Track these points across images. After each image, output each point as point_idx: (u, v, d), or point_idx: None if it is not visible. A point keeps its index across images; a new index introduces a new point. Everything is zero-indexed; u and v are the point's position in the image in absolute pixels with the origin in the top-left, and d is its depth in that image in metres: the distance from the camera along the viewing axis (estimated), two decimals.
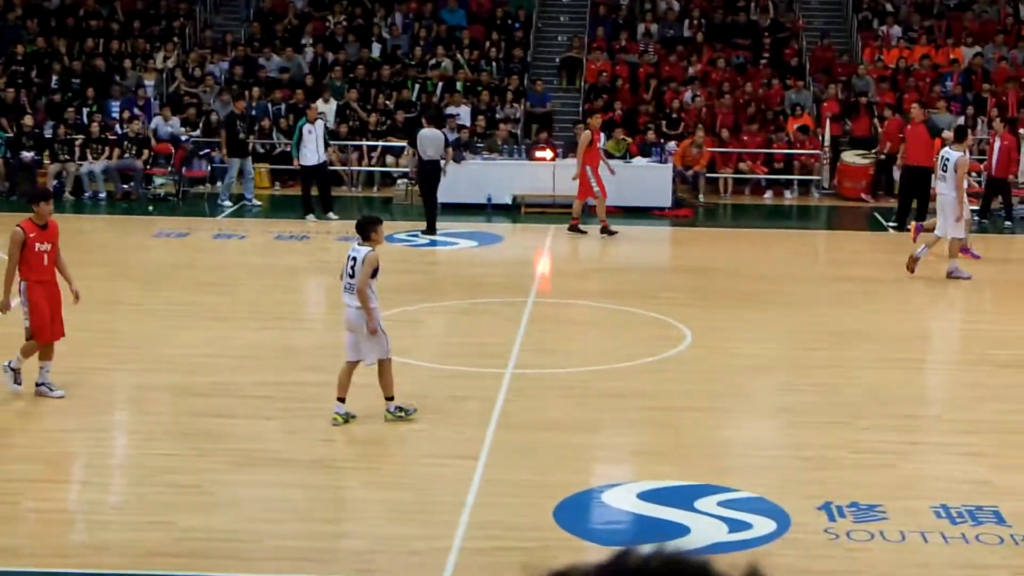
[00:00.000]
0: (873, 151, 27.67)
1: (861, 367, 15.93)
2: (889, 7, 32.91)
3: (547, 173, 26.24)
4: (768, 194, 28.31)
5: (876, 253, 23.43)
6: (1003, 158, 24.97)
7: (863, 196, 27.59)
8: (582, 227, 23.83)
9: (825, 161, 28.12)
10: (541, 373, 15.36)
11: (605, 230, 23.69)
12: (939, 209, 20.71)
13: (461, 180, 26.18)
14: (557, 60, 32.34)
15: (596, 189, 23.73)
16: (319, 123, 25.11)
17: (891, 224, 24.95)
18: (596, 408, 14.14)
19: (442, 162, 24.04)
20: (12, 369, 14.13)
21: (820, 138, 28.21)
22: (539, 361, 15.85)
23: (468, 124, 28.59)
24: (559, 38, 33.36)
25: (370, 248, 13.30)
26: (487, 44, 31.91)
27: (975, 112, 29.24)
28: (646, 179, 26.36)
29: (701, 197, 27.25)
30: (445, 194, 25.46)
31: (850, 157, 27.96)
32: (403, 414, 13.53)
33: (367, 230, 13.43)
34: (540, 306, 18.79)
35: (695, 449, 13.06)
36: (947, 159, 20.63)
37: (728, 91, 29.67)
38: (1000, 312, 19.21)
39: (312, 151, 24.71)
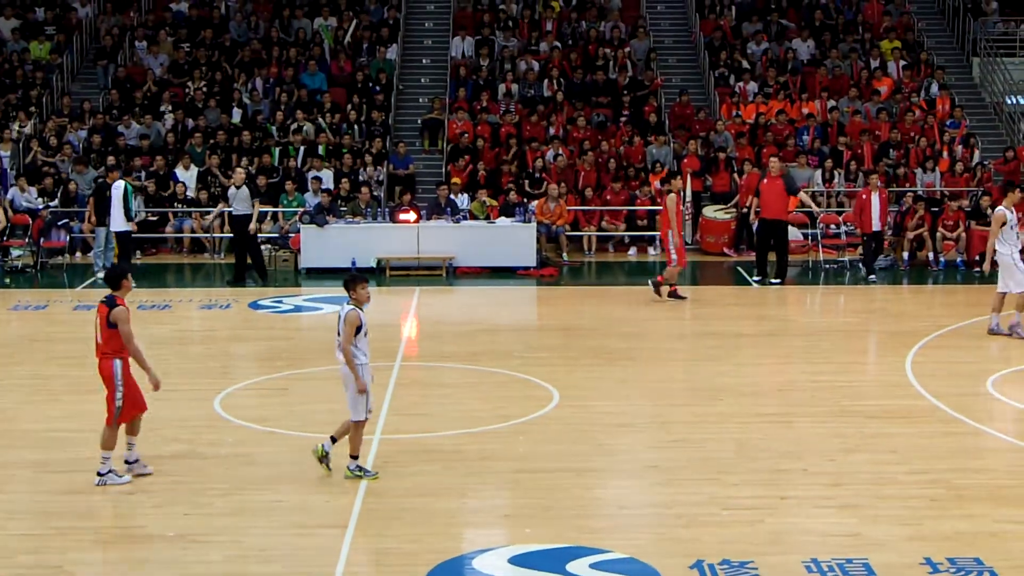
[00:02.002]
0: (731, 205, 27.97)
1: (728, 422, 16.01)
2: (745, 64, 33.43)
3: (411, 235, 26.16)
4: (632, 251, 28.47)
5: (740, 307, 23.63)
6: (883, 212, 25.37)
7: (725, 251, 27.88)
8: (681, 293, 23.57)
9: (687, 217, 28.36)
10: (410, 438, 15.17)
11: (673, 294, 23.47)
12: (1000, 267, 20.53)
13: (325, 244, 25.98)
14: (419, 122, 32.33)
15: (675, 257, 23.27)
16: (117, 186, 24.90)
17: (754, 279, 25.20)
18: (466, 472, 13.98)
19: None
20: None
21: (681, 194, 28.41)
22: (407, 425, 15.67)
23: (331, 188, 28.38)
24: (420, 100, 33.38)
25: (352, 307, 13.39)
26: (348, 107, 31.80)
27: (832, 165, 29.74)
28: (510, 239, 26.38)
29: (564, 255, 27.30)
30: (309, 259, 25.26)
31: (711, 212, 28.25)
32: (361, 473, 13.65)
33: (350, 287, 13.56)
34: (407, 370, 18.62)
35: (566, 510, 12.97)
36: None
37: (589, 149, 29.86)
38: (863, 363, 19.43)
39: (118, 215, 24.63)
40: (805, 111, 31.79)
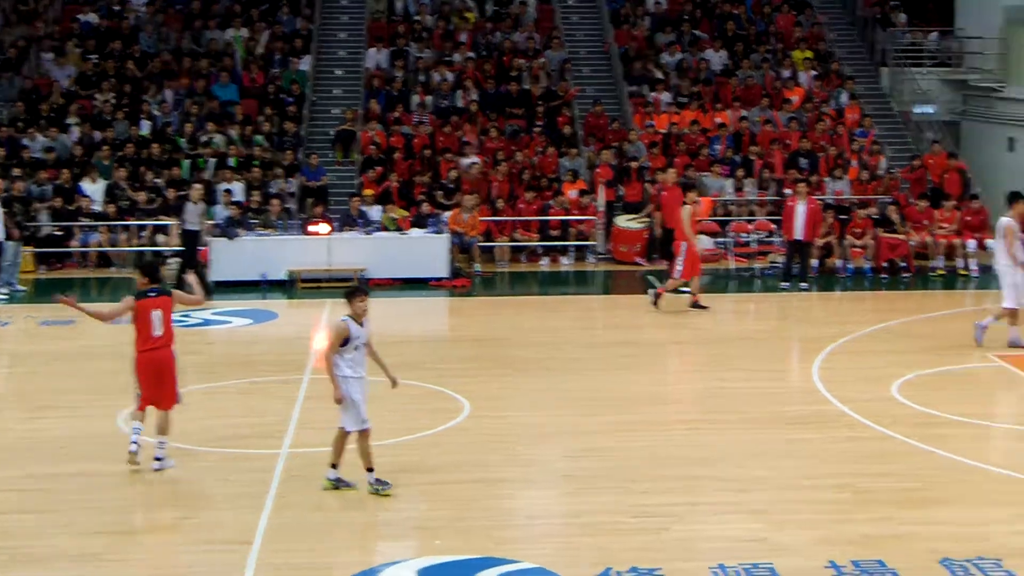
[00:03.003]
0: (643, 215, 28.08)
1: (640, 430, 16.07)
2: (658, 74, 33.60)
3: (323, 247, 26.03)
4: (545, 261, 28.49)
5: (652, 316, 23.69)
6: (809, 221, 25.53)
7: (638, 260, 27.98)
8: (702, 303, 23.49)
9: (600, 227, 28.47)
10: (320, 451, 15.02)
11: (696, 305, 23.40)
12: (1000, 278, 20.42)
13: (235, 257, 25.78)
14: (332, 133, 32.18)
15: (679, 268, 23.31)
16: None
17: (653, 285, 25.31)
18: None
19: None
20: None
21: (595, 203, 28.55)
22: (316, 439, 15.52)
23: (242, 200, 28.16)
24: (333, 111, 33.22)
25: (343, 317, 13.52)
26: (260, 119, 31.58)
27: (744, 174, 29.97)
28: (423, 250, 26.33)
29: (477, 266, 27.27)
30: (219, 272, 25.04)
31: (624, 222, 28.34)
32: (381, 487, 13.58)
33: (347, 299, 13.68)
34: (317, 383, 18.43)
35: (476, 521, 12.94)
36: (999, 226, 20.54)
37: (503, 160, 29.87)
38: (773, 370, 19.56)
39: None
40: (717, 120, 32.01)
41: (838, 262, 27.19)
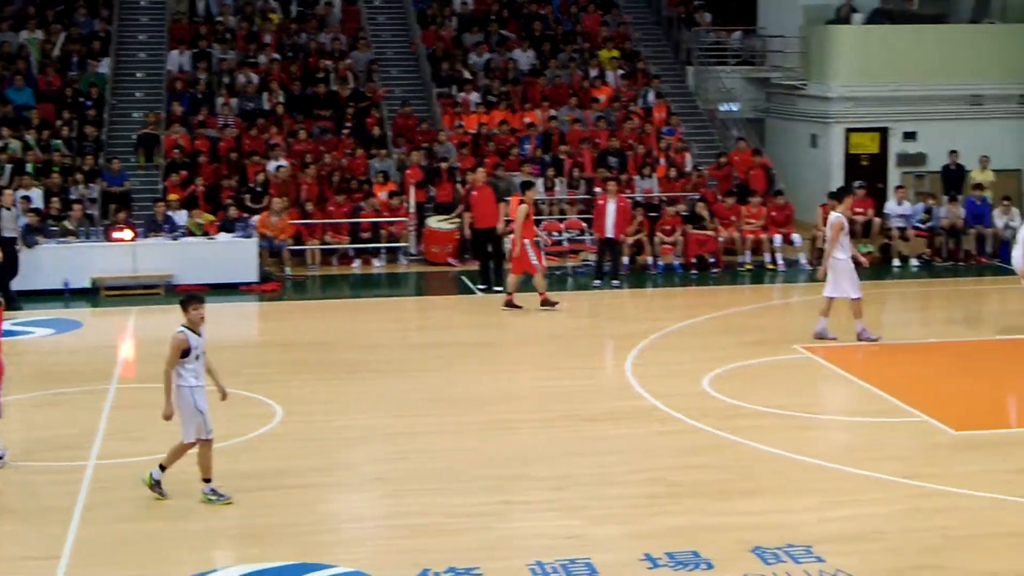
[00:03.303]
0: (454, 215, 28.02)
1: (455, 431, 16.03)
2: (467, 74, 33.58)
3: (127, 254, 25.43)
4: (356, 263, 28.22)
5: (466, 316, 23.69)
6: (619, 219, 25.67)
7: (450, 260, 27.91)
8: (553, 299, 23.37)
9: (411, 228, 28.33)
10: (127, 462, 14.65)
11: (546, 303, 23.19)
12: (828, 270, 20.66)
13: (35, 266, 25.01)
14: (134, 137, 31.44)
15: (535, 263, 23.17)
16: None
17: (479, 287, 25.28)
18: (187, 493, 13.55)
19: None
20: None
21: (405, 205, 28.40)
22: (124, 449, 15.16)
23: (40, 207, 27.30)
24: (135, 114, 32.47)
25: (181, 328, 13.20)
26: (58, 123, 30.68)
27: (554, 173, 30.09)
28: (231, 254, 25.87)
29: (288, 270, 26.90)
30: (18, 281, 24.28)
31: (435, 223, 28.24)
32: (216, 498, 13.32)
33: (182, 308, 13.39)
34: (124, 392, 18.02)
35: (291, 527, 12.76)
36: (830, 219, 20.80)
37: (311, 162, 29.52)
38: (586, 367, 19.64)
39: None
40: (527, 120, 32.11)
41: (648, 259, 27.47)
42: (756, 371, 19.04)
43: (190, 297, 13.63)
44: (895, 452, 15.11)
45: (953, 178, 30.19)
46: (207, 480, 13.48)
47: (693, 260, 27.37)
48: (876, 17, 33.35)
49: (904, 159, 32.46)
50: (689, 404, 17.00)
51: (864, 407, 17.19)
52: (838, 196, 21.94)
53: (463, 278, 26.39)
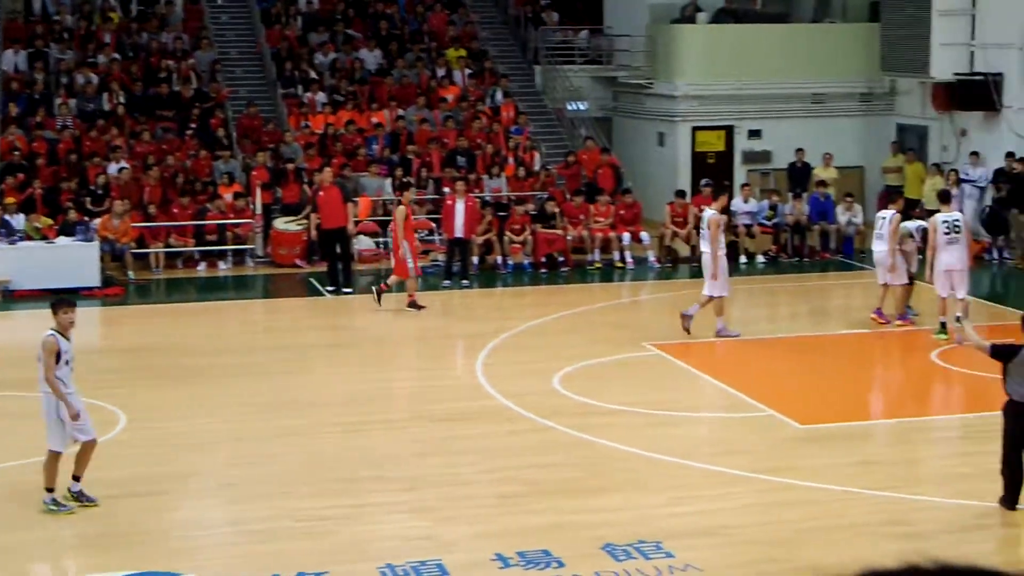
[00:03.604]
0: (302, 216, 27.68)
1: (303, 434, 15.82)
2: (313, 74, 33.23)
3: None
4: (202, 266, 27.70)
5: (314, 318, 23.42)
6: (468, 219, 25.55)
7: (298, 262, 27.54)
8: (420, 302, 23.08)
9: (258, 230, 27.90)
10: None
11: (413, 304, 22.94)
12: (703, 268, 20.84)
13: None
14: None
15: (410, 266, 22.92)
16: None
17: (328, 288, 24.98)
18: (28, 504, 13.16)
19: None
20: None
21: (251, 206, 27.98)
22: None
23: None
24: None
25: (52, 332, 12.84)
26: None
27: (403, 173, 29.85)
28: (71, 259, 25.19)
29: (131, 274, 26.31)
30: None
31: (282, 224, 27.86)
32: (58, 507, 12.98)
33: (53, 310, 13.09)
34: None
35: (139, 536, 12.53)
36: (701, 218, 21.00)
37: (154, 164, 28.93)
38: (436, 368, 19.54)
39: None
40: (374, 120, 31.86)
41: (498, 258, 27.42)
42: (606, 369, 19.09)
43: (60, 301, 13.37)
44: (743, 447, 15.23)
45: (799, 175, 30.65)
46: (50, 490, 13.10)
47: (543, 259, 27.38)
48: (720, 16, 33.73)
49: (749, 157, 32.87)
50: (540, 403, 16.98)
51: (712, 403, 17.33)
52: (714, 194, 22.09)
53: (311, 280, 26.07)
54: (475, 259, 26.83)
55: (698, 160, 32.75)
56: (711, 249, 20.56)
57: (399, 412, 16.79)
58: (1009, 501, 12.94)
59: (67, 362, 13.01)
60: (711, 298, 20.63)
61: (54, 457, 13.07)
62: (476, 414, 16.61)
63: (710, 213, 20.92)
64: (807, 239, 28.73)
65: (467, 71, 34.16)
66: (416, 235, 24.29)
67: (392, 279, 23.56)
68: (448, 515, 12.92)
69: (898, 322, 21.34)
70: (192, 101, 31.70)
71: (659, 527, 12.47)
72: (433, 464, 14.57)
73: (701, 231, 21.18)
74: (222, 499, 13.79)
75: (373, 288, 23.65)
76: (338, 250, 25.15)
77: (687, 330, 20.43)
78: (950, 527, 12.72)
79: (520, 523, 12.61)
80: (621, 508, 13.09)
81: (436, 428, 16.04)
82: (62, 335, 13.03)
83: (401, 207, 23.33)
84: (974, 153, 29.15)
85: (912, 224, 21.70)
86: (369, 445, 15.34)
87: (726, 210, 22.36)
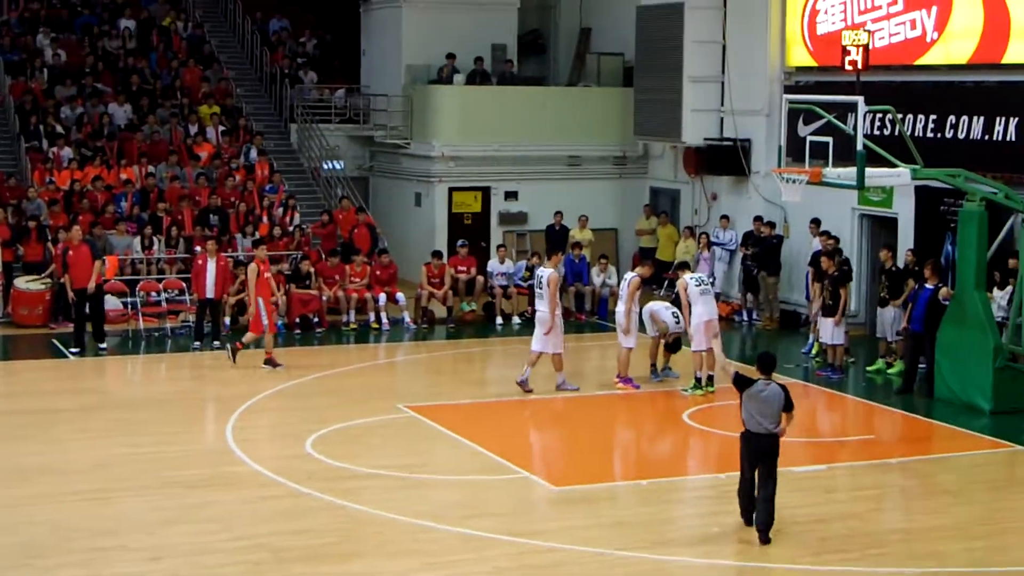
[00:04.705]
0: (45, 275, 26.71)
1: (42, 503, 15.16)
2: (59, 128, 32.23)
3: None
4: None
5: (57, 381, 22.50)
6: (219, 279, 24.92)
7: (42, 323, 26.52)
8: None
9: None
10: None
11: (270, 362, 22.88)
12: (537, 324, 21.43)
13: None
14: None
15: (265, 323, 22.98)
16: None
17: (72, 350, 24.08)
18: None
19: None
20: None
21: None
22: None
23: None
24: None
25: None
26: None
27: (152, 231, 29.07)
28: None
29: None
30: None
31: (24, 283, 26.82)
32: None
33: None
34: None
35: None
36: (540, 276, 21.40)
37: None
38: (184, 432, 18.92)
39: None
40: (123, 177, 31.00)
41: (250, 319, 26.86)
42: (360, 431, 18.81)
43: None
44: (496, 509, 15.13)
45: (557, 237, 30.89)
46: None
47: (296, 320, 26.94)
48: (477, 78, 33.94)
49: (506, 218, 33.05)
50: (292, 467, 16.61)
51: (466, 465, 17.17)
52: (548, 253, 22.70)
53: (55, 341, 25.09)
54: (227, 320, 26.24)
55: (455, 221, 32.78)
56: (548, 307, 21.04)
57: (146, 479, 16.17)
58: (746, 521, 14.35)
59: None
60: (540, 355, 21.24)
61: None
62: (225, 480, 16.15)
63: (549, 272, 21.34)
64: (563, 300, 28.93)
65: (221, 128, 33.60)
66: (273, 295, 24.00)
67: (248, 336, 23.24)
68: None
69: (619, 385, 21.62)
70: None
71: None
72: (180, 532, 14.08)
73: (538, 291, 21.65)
74: None
75: (227, 345, 23.35)
76: (86, 310, 24.35)
77: (529, 391, 21.08)
78: None
79: None
80: (374, 574, 12.84)
81: (184, 495, 15.51)
82: None
83: (252, 264, 23.20)
84: (724, 217, 29.84)
85: (666, 312, 22.13)
86: (112, 513, 14.75)
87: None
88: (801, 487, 16.01)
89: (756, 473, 14.18)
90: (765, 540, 13.97)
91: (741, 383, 14.34)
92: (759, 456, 14.14)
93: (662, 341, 22.22)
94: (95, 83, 34.02)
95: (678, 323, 21.83)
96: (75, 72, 34.29)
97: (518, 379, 21.27)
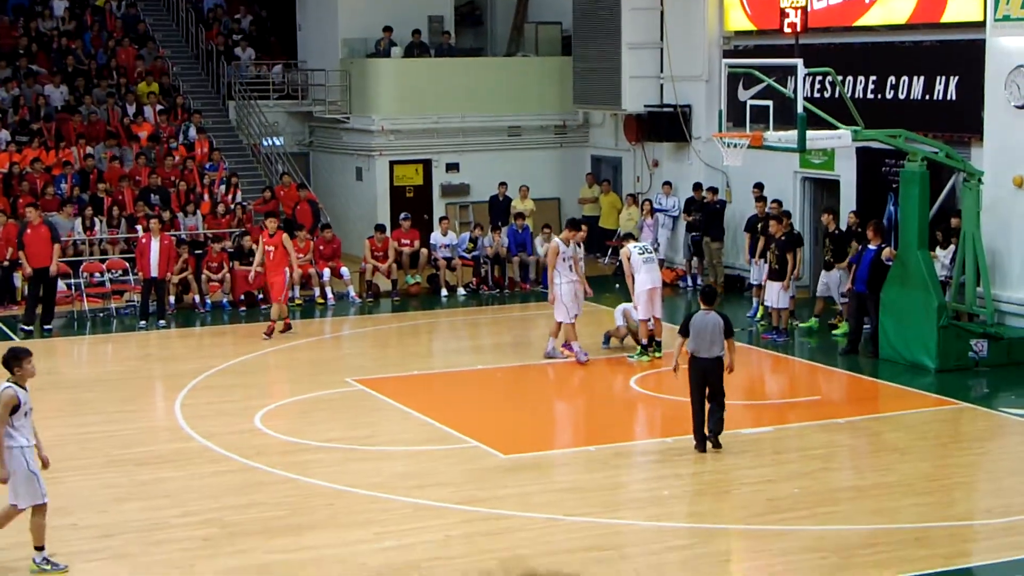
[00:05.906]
0: None
1: None
2: None
3: None
4: None
5: None
6: (163, 258, 24.96)
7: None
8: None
9: None
10: None
11: (287, 327, 23.75)
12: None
13: None
14: None
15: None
16: None
17: (26, 328, 23.94)
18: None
19: None
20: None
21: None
22: None
23: None
24: None
25: (7, 384, 12.16)
26: None
27: (94, 212, 28.89)
28: None
29: None
30: None
31: None
32: (50, 567, 12.32)
33: (11, 364, 12.33)
34: None
35: None
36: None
37: None
38: (132, 410, 18.88)
39: None
40: (62, 158, 30.78)
41: (196, 297, 26.80)
42: (308, 405, 18.84)
43: (19, 351, 12.50)
44: (447, 479, 15.20)
45: (500, 208, 30.96)
46: (40, 548, 12.38)
47: (241, 297, 26.88)
48: (415, 50, 33.87)
49: (448, 190, 33.06)
50: (241, 442, 16.63)
51: (416, 436, 17.23)
52: (572, 226, 22.11)
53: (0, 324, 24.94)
54: (171, 298, 26.15)
55: (397, 194, 32.76)
56: (549, 277, 21.59)
57: (95, 457, 16.15)
58: (701, 449, 15.85)
59: (26, 413, 12.28)
60: (559, 324, 21.40)
61: (13, 513, 12.43)
62: (175, 456, 16.15)
63: (556, 242, 21.70)
64: (507, 271, 29.03)
65: (159, 107, 33.37)
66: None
67: (274, 310, 23.77)
68: (148, 561, 12.53)
69: (565, 352, 21.55)
70: None
71: (364, 563, 12.31)
72: (131, 509, 14.10)
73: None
74: None
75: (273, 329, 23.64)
76: (41, 293, 24.30)
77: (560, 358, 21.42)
78: (651, 549, 12.93)
79: (223, 565, 12.29)
80: (325, 545, 12.89)
81: (134, 472, 15.52)
82: (20, 386, 12.29)
83: (284, 235, 24.33)
84: (666, 183, 29.99)
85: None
86: (63, 492, 14.66)
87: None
88: (749, 449, 16.20)
89: (705, 397, 15.70)
90: (717, 444, 15.87)
91: (684, 323, 15.96)
92: (706, 376, 15.67)
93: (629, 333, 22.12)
94: (30, 64, 33.70)
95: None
96: (9, 54, 33.95)
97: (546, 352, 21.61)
